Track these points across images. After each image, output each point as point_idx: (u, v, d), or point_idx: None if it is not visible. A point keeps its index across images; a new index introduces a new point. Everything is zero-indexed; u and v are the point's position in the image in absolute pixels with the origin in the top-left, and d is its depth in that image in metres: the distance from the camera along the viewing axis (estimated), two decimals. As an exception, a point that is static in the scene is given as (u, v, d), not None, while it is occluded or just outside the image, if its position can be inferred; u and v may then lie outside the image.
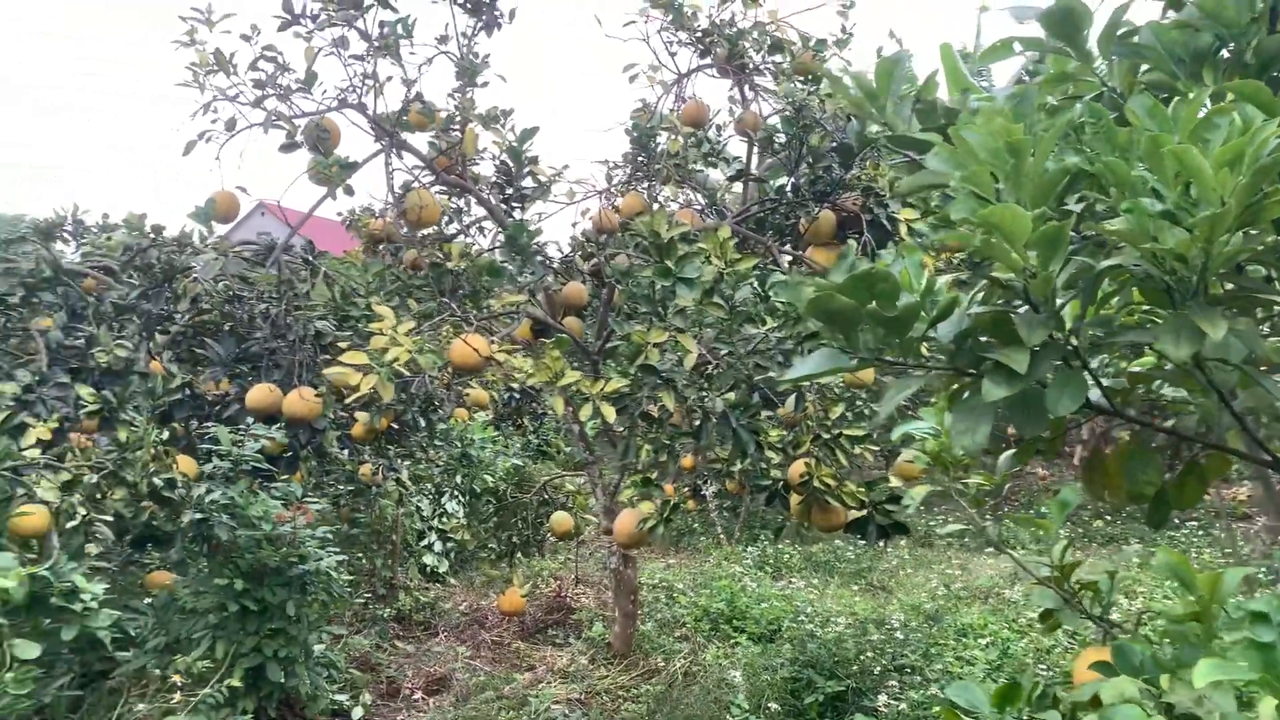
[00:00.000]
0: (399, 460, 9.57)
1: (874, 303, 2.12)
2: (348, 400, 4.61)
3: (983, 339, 2.23)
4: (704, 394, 4.73)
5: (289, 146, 5.46)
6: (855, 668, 6.29)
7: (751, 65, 6.28)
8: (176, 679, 4.92)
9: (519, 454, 11.87)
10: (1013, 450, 2.92)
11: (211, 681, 5.76)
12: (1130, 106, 2.14)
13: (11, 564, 3.71)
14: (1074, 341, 2.12)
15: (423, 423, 9.47)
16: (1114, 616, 3.17)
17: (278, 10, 5.43)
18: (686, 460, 7.53)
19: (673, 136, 6.17)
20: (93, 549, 8.19)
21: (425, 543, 10.04)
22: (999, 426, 2.36)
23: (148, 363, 7.32)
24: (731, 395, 4.73)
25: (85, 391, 6.19)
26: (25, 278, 6.78)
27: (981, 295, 2.34)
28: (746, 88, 6.50)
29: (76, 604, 3.87)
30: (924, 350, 2.30)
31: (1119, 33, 2.45)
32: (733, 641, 7.62)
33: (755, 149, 6.44)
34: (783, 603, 8.38)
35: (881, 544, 11.45)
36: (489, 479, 10.44)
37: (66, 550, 5.03)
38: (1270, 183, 1.75)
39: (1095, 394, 2.30)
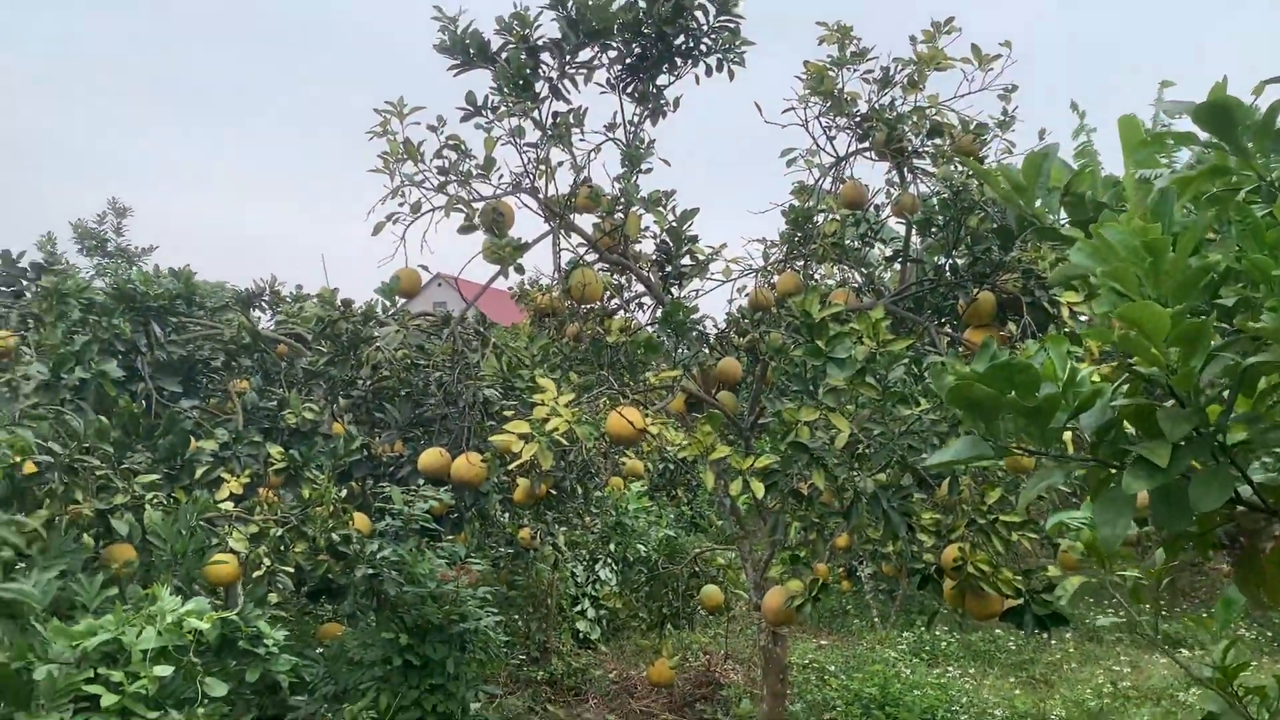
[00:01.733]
0: (556, 526, 9.86)
1: (1013, 393, 2.18)
2: (510, 466, 4.85)
3: (1126, 431, 2.25)
4: (855, 473, 4.76)
5: (467, 229, 5.87)
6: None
7: (910, 148, 6.36)
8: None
9: (672, 525, 12.01)
10: (1163, 545, 2.88)
11: (374, 731, 6.07)
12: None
13: (205, 608, 4.09)
14: (1220, 438, 2.11)
15: (579, 490, 9.77)
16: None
17: (460, 103, 5.89)
18: (841, 540, 7.49)
19: (830, 216, 6.29)
20: (273, 598, 8.77)
21: (579, 609, 10.24)
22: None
23: (330, 425, 7.89)
24: (883, 476, 4.75)
25: (275, 450, 6.70)
26: (227, 344, 7.44)
27: (1126, 388, 2.36)
28: (905, 170, 6.57)
29: (260, 648, 4.22)
30: (1068, 440, 2.33)
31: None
32: (883, 728, 7.46)
33: (914, 231, 6.48)
34: (937, 691, 8.13)
35: (1045, 635, 10.97)
36: (642, 548, 10.61)
37: (251, 598, 5.43)
38: None
39: (1248, 490, 2.28)
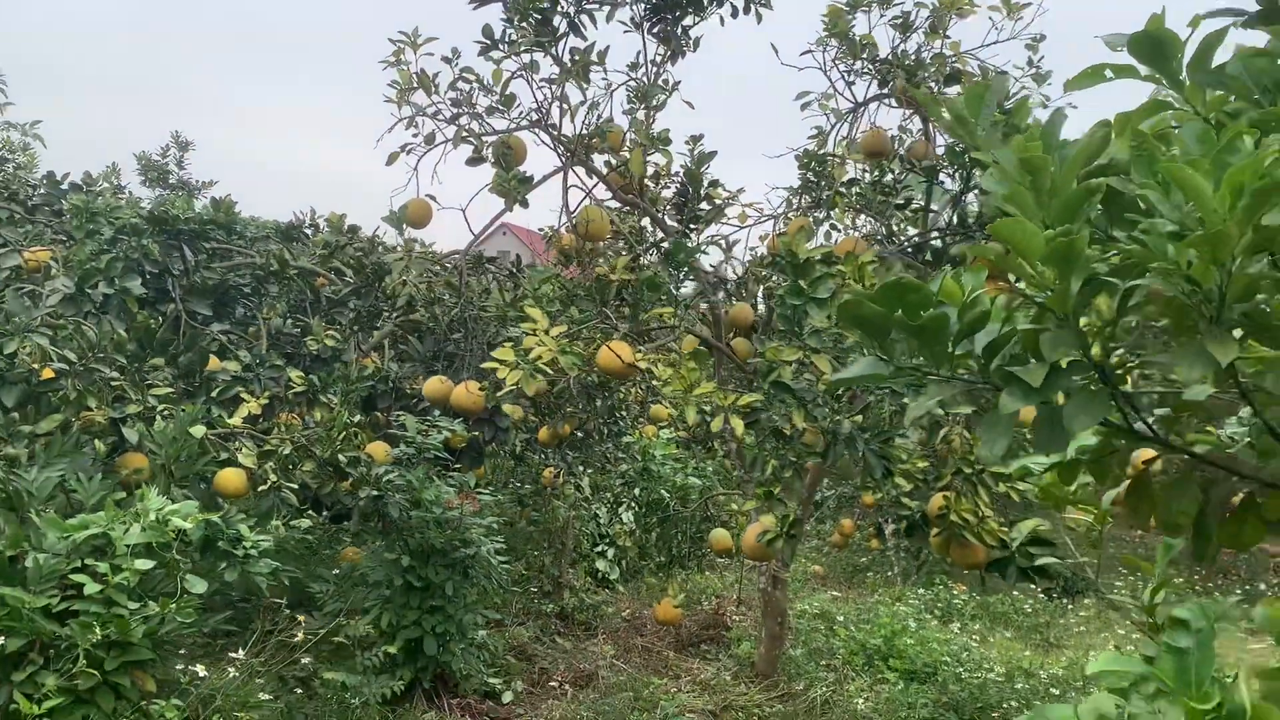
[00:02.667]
0: (579, 467, 10.01)
1: (900, 312, 2.19)
2: (499, 393, 4.96)
3: (1013, 355, 2.25)
4: (836, 414, 4.78)
5: (475, 161, 5.94)
6: (996, 715, 6.08)
7: (930, 95, 6.25)
8: (302, 620, 5.42)
9: (705, 475, 12.08)
10: (1115, 489, 2.86)
11: (372, 648, 6.30)
12: (1180, 133, 2.14)
13: (192, 509, 4.28)
14: (1102, 360, 2.11)
15: (605, 431, 9.90)
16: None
17: (476, 36, 5.94)
18: (867, 497, 7.54)
19: (839, 162, 6.24)
20: (305, 522, 9.08)
21: (599, 549, 10.41)
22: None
23: (358, 354, 8.09)
24: (860, 418, 4.76)
25: (295, 374, 6.90)
26: (255, 270, 7.66)
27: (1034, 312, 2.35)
28: (925, 119, 6.48)
29: (239, 550, 4.41)
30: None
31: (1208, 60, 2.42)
32: (880, 677, 7.50)
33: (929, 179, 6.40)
34: (942, 646, 8.14)
35: (1065, 601, 10.89)
36: (665, 493, 10.72)
37: (258, 510, 5.66)
38: (1272, 204, 1.73)
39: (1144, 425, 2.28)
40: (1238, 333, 1.94)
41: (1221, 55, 2.38)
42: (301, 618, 5.64)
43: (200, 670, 4.35)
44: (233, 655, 4.79)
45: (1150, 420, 2.32)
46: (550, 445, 9.34)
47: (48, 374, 5.30)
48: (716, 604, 9.18)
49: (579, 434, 9.52)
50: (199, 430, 5.38)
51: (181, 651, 5.21)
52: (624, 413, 10.11)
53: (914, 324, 2.18)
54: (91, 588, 3.89)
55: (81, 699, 3.86)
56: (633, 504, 10.80)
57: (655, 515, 10.03)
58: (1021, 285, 2.21)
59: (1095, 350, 2.10)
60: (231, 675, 4.65)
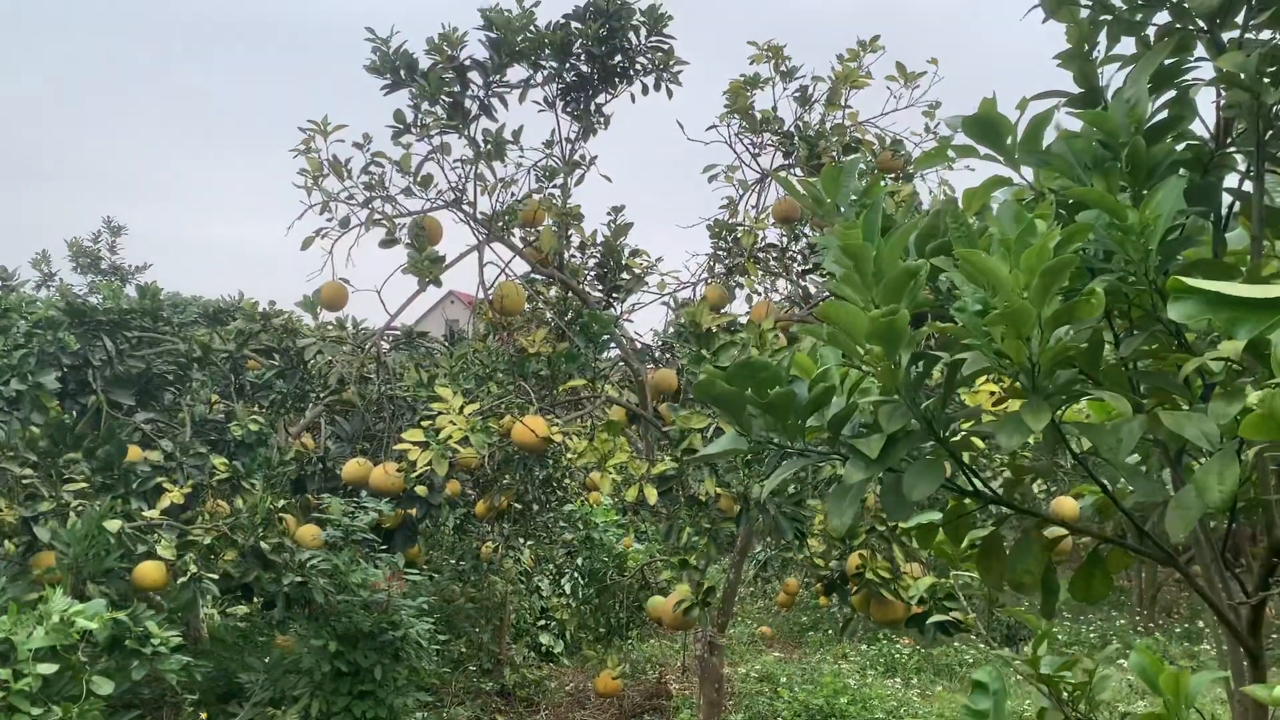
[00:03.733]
0: (519, 540, 9.97)
1: (750, 390, 2.28)
2: (413, 475, 4.98)
3: (865, 425, 2.35)
4: (747, 480, 4.86)
5: (388, 242, 6.02)
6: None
7: (832, 164, 6.46)
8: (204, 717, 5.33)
9: (652, 541, 12.06)
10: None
11: (302, 736, 6.19)
12: (995, 213, 2.28)
13: (100, 609, 4.23)
14: (938, 431, 2.21)
15: (545, 501, 9.89)
16: (1098, 717, 3.10)
17: (386, 123, 6.06)
18: (791, 583, 7.60)
19: (748, 231, 6.41)
20: (241, 609, 8.90)
21: (541, 622, 10.34)
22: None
23: (287, 437, 8.05)
24: (772, 483, 4.84)
25: (219, 461, 6.86)
26: (178, 358, 7.63)
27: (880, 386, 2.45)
28: (830, 185, 6.68)
29: (148, 647, 4.35)
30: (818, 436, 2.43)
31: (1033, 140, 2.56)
32: (821, 738, 7.51)
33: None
34: (882, 703, 8.17)
35: (1011, 650, 10.98)
36: (606, 560, 10.69)
37: (178, 601, 5.58)
38: (1061, 282, 1.85)
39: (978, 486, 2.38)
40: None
41: (1052, 134, 2.54)
42: (204, 715, 5.52)
43: (102, 775, 4.26)
44: (133, 758, 4.70)
45: (993, 483, 2.43)
46: (488, 518, 9.32)
47: (-44, 475, 5.23)
48: (660, 672, 9.14)
49: (518, 506, 9.51)
50: (113, 525, 5.32)
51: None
52: (569, 480, 10.12)
53: (763, 401, 2.27)
54: (-9, 695, 3.82)
55: (-18, 813, 3.77)
56: (575, 574, 10.75)
57: (591, 586, 9.99)
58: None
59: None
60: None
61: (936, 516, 2.76)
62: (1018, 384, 2.06)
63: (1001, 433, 2.00)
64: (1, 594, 4.51)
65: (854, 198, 2.90)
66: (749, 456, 5.00)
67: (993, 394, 3.65)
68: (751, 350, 4.73)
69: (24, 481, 5.49)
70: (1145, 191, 2.23)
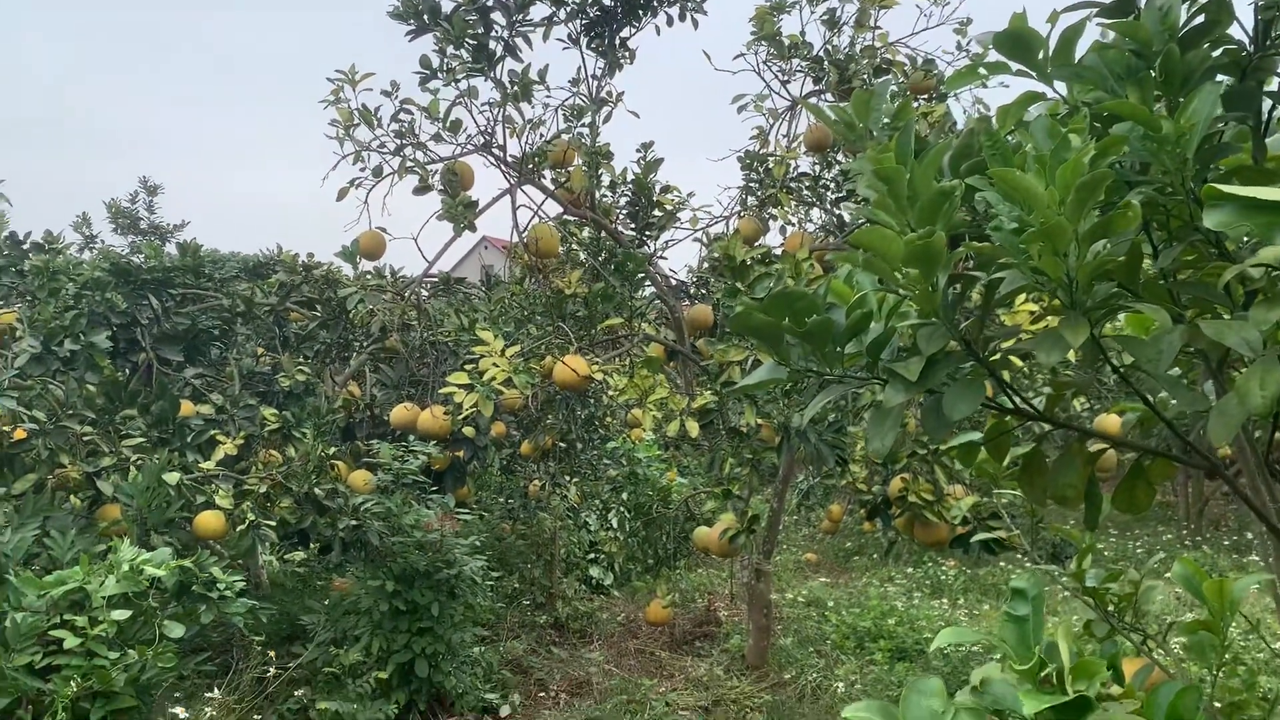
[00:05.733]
0: (564, 477, 10.13)
1: (787, 319, 2.31)
2: (459, 417, 5.07)
3: (903, 349, 2.38)
4: (789, 410, 4.90)
5: (422, 189, 6.06)
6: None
7: (863, 87, 6.38)
8: (272, 655, 5.55)
9: (696, 475, 12.19)
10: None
11: (365, 674, 6.41)
12: (1031, 129, 2.26)
13: (166, 557, 4.39)
14: (977, 351, 2.23)
15: (588, 440, 10.02)
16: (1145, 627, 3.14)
17: (413, 69, 6.05)
18: (835, 509, 7.63)
19: (779, 161, 6.36)
20: (298, 555, 9.15)
21: (590, 556, 10.53)
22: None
23: (334, 386, 8.21)
24: (811, 410, 4.87)
25: (269, 412, 7.01)
26: (223, 313, 7.76)
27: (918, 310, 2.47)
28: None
29: (214, 592, 4.52)
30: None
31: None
32: (869, 659, 7.63)
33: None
34: (929, 624, 8.27)
35: (1056, 570, 11.02)
36: (651, 494, 10.84)
37: (238, 549, 5.76)
38: (1097, 197, 1.85)
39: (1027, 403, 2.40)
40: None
41: (1084, 45, 2.51)
42: (272, 653, 5.72)
43: (180, 712, 4.45)
44: (209, 695, 4.89)
45: (1034, 400, 2.44)
46: (534, 458, 9.47)
47: (20, 435, 5.40)
48: (708, 601, 9.30)
49: (562, 445, 9.64)
50: (172, 477, 5.48)
51: (176, 695, 5.34)
52: (610, 419, 10.24)
53: (801, 329, 2.29)
54: (71, 641, 4.00)
55: (70, 751, 3.97)
56: (621, 509, 10.91)
57: (639, 519, 10.15)
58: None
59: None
60: (209, 715, 4.75)
61: (977, 436, 2.78)
62: (1057, 300, 2.07)
63: (1040, 348, 2.02)
64: (71, 546, 4.68)
65: (886, 121, 2.89)
66: (788, 386, 5.04)
67: (1032, 313, 3.64)
68: (787, 281, 4.74)
69: (85, 438, 5.66)
70: (1181, 100, 2.21)
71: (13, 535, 4.50)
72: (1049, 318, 2.35)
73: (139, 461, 5.66)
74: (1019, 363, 2.46)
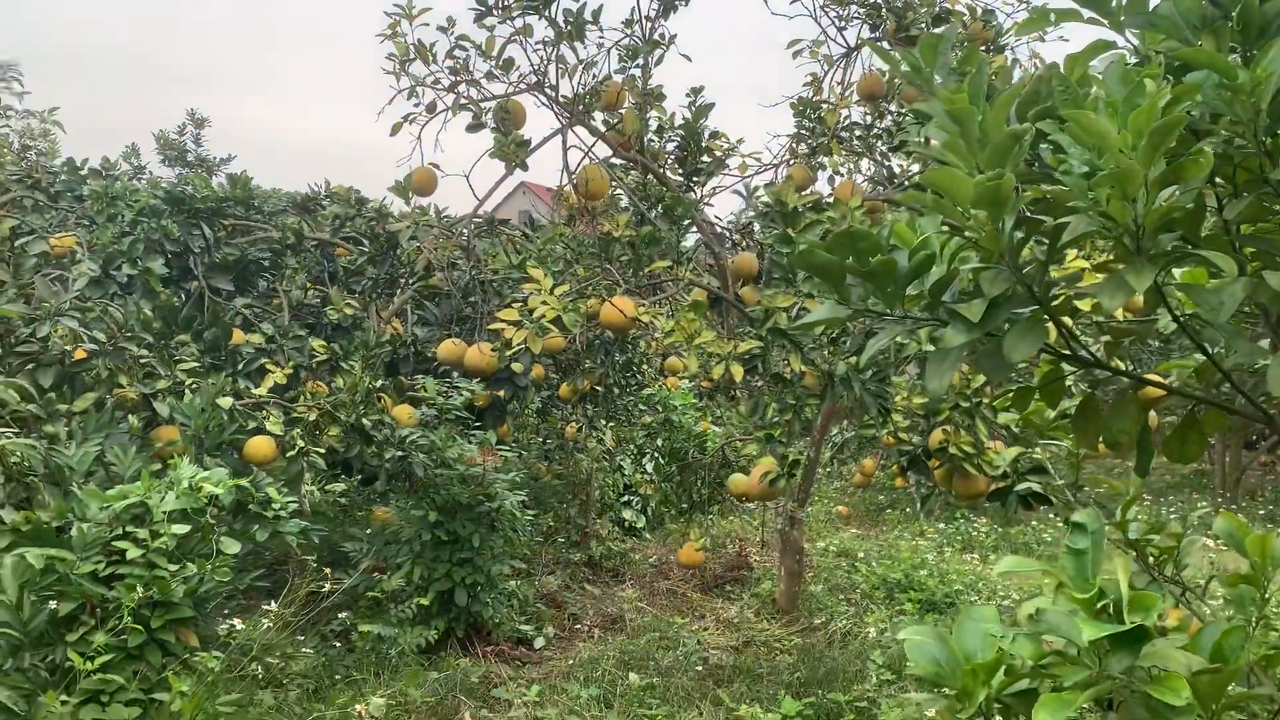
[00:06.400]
0: (600, 421, 10.25)
1: (851, 259, 2.34)
2: (506, 354, 5.15)
3: (964, 292, 2.41)
4: (831, 357, 4.94)
5: (475, 127, 6.09)
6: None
7: (921, 37, 6.31)
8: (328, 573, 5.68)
9: (729, 423, 12.29)
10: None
11: (406, 601, 6.59)
12: (1101, 75, 2.27)
13: (223, 476, 4.53)
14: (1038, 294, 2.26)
15: (625, 385, 10.12)
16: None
17: (469, 5, 6.05)
18: (888, 437, 7.69)
19: (832, 109, 6.33)
20: (338, 486, 9.35)
21: (624, 499, 10.68)
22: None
23: (378, 320, 8.33)
24: (855, 359, 4.91)
25: (317, 344, 7.14)
26: (274, 244, 7.88)
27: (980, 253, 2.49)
28: (918, 59, 6.53)
29: (269, 512, 4.66)
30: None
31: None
32: (899, 609, 7.72)
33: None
34: (960, 577, 8.35)
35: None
36: (687, 441, 10.95)
37: (287, 475, 5.92)
38: (1169, 143, 1.87)
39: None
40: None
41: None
42: (328, 570, 5.90)
43: (237, 623, 4.63)
44: (266, 607, 5.08)
45: (1092, 346, 2.48)
46: (571, 401, 9.58)
47: (80, 355, 5.56)
48: (739, 546, 9.43)
49: (599, 389, 9.75)
50: (226, 402, 5.63)
51: (226, 610, 5.54)
52: (645, 366, 10.33)
53: (864, 269, 2.33)
54: (134, 552, 4.16)
55: (131, 655, 4.14)
56: (655, 454, 11.03)
57: (675, 464, 10.26)
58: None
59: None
60: (266, 626, 4.93)
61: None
62: (1123, 243, 2.09)
63: (1104, 293, 2.05)
64: (132, 463, 4.84)
65: (952, 67, 2.89)
66: (833, 334, 5.07)
67: (1081, 270, 3.64)
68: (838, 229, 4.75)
69: (141, 361, 5.81)
70: (1256, 51, 2.20)
71: (77, 449, 4.66)
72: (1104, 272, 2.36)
73: (193, 385, 5.80)
74: (1085, 306, 2.48)
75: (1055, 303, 2.29)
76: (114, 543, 4.22)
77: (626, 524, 10.47)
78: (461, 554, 6.76)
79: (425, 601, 6.53)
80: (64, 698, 3.94)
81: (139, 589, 4.09)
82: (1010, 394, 2.71)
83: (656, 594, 8.37)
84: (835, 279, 2.39)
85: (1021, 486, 4.84)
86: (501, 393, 8.14)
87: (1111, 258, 2.36)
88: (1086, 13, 2.57)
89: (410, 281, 8.20)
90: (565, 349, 6.94)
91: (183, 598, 4.25)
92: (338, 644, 6.29)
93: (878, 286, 2.36)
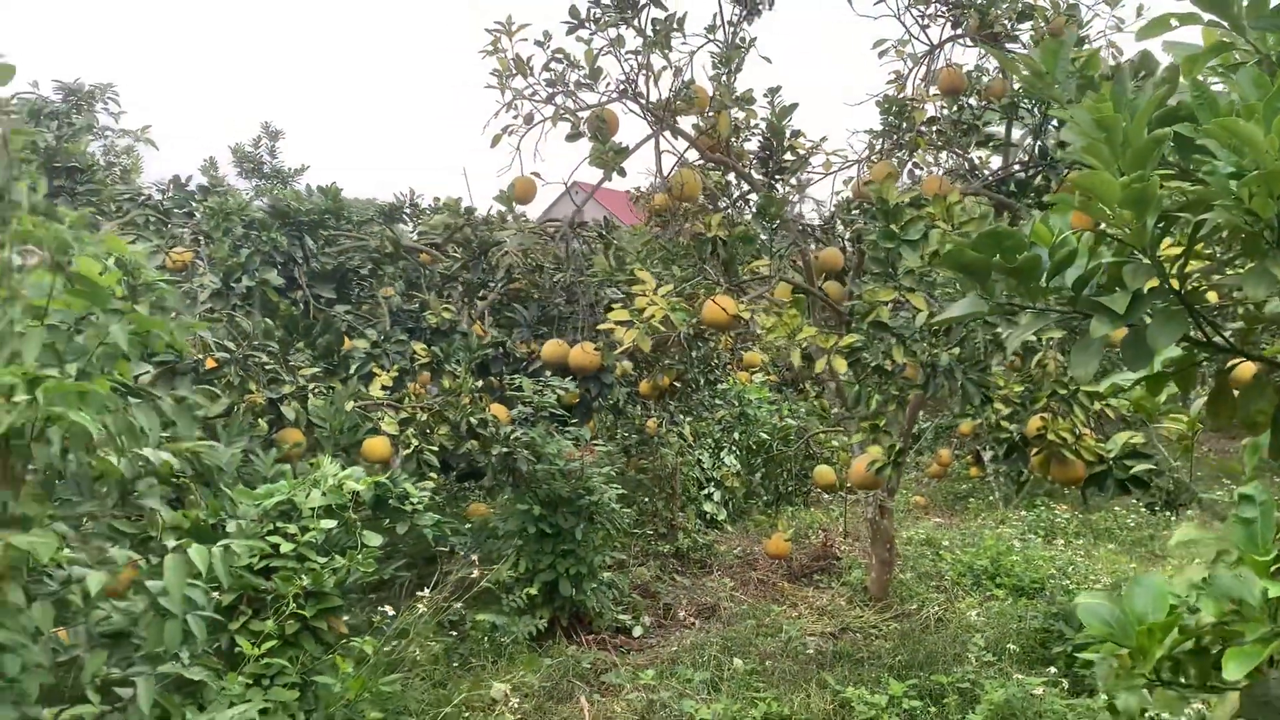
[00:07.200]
0: (680, 415, 10.47)
1: (998, 256, 2.53)
2: (617, 351, 5.38)
3: (1100, 285, 2.58)
4: (934, 349, 5.10)
5: (574, 136, 6.34)
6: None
7: (1004, 33, 6.44)
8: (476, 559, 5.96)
9: (801, 417, 12.46)
10: (1203, 398, 3.16)
11: (514, 591, 6.87)
12: (1237, 78, 2.43)
13: (362, 473, 4.83)
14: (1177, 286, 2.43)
15: (702, 381, 10.32)
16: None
17: (562, 18, 6.31)
18: (965, 427, 7.80)
19: (918, 106, 6.48)
20: (430, 482, 9.69)
21: (705, 491, 10.89)
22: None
23: (470, 324, 8.63)
24: (958, 350, 5.07)
25: (419, 347, 7.45)
26: (372, 253, 8.20)
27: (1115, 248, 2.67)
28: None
29: (407, 506, 4.95)
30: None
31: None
32: (990, 594, 7.84)
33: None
34: (1048, 563, 8.44)
35: (1169, 513, 11.02)
36: (764, 435, 11.14)
37: (405, 471, 6.22)
38: (1315, 146, 2.03)
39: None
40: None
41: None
42: (475, 557, 6.20)
43: (389, 610, 4.92)
44: (420, 594, 5.37)
45: (1228, 334, 2.63)
46: (650, 397, 9.81)
47: (211, 364, 5.90)
48: (824, 537, 9.59)
49: (677, 384, 9.97)
50: (349, 405, 5.94)
51: (370, 596, 5.82)
52: (716, 360, 10.53)
53: (1011, 266, 2.52)
54: (286, 547, 4.46)
55: (288, 642, 4.45)
56: (733, 447, 11.24)
57: (758, 456, 10.45)
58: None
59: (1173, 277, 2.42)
60: (421, 612, 5.23)
61: (1132, 376, 2.96)
62: (1261, 237, 2.25)
63: (1248, 283, 2.21)
64: (270, 464, 5.17)
65: (1071, 70, 3.06)
66: (941, 329, 5.23)
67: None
68: (939, 225, 4.92)
69: (266, 368, 6.14)
70: (1383, 51, 2.34)
71: (225, 450, 4.99)
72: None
73: (315, 389, 6.12)
74: (1213, 297, 2.64)
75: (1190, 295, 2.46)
76: (268, 538, 4.52)
77: (708, 516, 10.68)
78: (564, 546, 7.02)
79: (533, 591, 6.80)
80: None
81: (297, 579, 4.39)
82: (1145, 379, 2.87)
83: (747, 583, 8.58)
84: (980, 275, 2.58)
85: (1128, 470, 4.96)
86: (589, 390, 8.41)
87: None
88: (1208, 15, 2.73)
89: (495, 286, 8.50)
90: (655, 347, 7.17)
91: (333, 588, 4.55)
92: (454, 633, 6.59)
93: (1021, 282, 2.55)
